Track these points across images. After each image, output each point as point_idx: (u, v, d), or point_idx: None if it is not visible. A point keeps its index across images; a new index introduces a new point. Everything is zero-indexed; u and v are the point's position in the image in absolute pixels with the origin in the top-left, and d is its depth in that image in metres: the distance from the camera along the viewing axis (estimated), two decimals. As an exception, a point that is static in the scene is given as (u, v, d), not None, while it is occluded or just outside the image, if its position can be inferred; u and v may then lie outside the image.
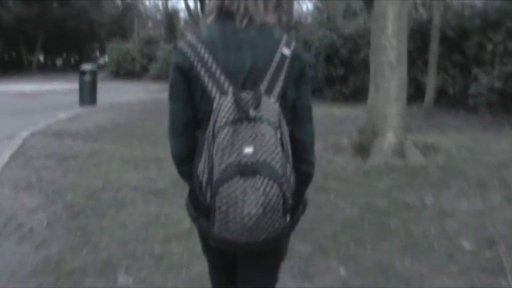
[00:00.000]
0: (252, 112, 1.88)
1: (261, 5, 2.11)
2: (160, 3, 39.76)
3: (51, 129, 11.85)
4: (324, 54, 18.03)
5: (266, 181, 1.82)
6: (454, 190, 6.57)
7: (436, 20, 14.26)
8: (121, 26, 37.24)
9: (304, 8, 34.31)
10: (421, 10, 17.94)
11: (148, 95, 21.34)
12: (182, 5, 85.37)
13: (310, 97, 2.20)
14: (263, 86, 2.01)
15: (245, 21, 2.08)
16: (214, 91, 2.00)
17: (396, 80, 8.38)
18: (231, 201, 1.84)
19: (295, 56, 2.09)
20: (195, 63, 2.03)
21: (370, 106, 8.68)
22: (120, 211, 5.84)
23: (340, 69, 17.87)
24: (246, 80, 2.02)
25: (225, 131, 1.86)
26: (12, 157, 8.74)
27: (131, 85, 27.18)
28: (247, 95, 1.92)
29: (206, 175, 1.93)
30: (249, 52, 2.04)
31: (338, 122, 12.70)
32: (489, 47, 14.11)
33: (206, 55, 2.02)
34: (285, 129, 1.97)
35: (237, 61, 2.03)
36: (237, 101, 1.89)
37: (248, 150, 1.85)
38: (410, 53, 17.21)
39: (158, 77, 29.59)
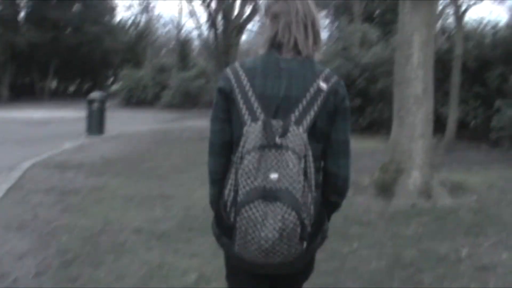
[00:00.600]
0: (278, 140, 2.03)
1: (310, 41, 2.28)
2: (173, 31, 39.50)
3: (54, 160, 11.26)
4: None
5: (285, 208, 1.95)
6: (491, 239, 5.86)
7: (458, 50, 13.67)
8: (134, 54, 36.85)
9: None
10: (440, 39, 17.39)
11: (159, 125, 20.76)
12: (195, 33, 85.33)
13: (348, 132, 2.29)
14: (294, 116, 2.13)
15: (291, 53, 2.26)
16: (246, 116, 2.15)
17: (422, 114, 7.74)
18: (251, 222, 1.98)
19: (332, 90, 2.20)
20: (235, 87, 2.21)
21: (393, 142, 8.02)
22: (119, 259, 5.20)
23: (357, 100, 17.17)
24: (279, 108, 2.16)
25: (251, 155, 2.02)
26: (9, 191, 8.14)
27: (143, 113, 26.58)
28: (276, 123, 2.08)
29: (231, 196, 2.09)
30: (285, 81, 2.19)
31: (356, 156, 11.76)
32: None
33: (245, 81, 2.20)
34: (310, 159, 2.07)
35: (273, 88, 2.19)
36: (265, 127, 2.06)
37: (274, 176, 1.98)
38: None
39: (170, 106, 29.05)
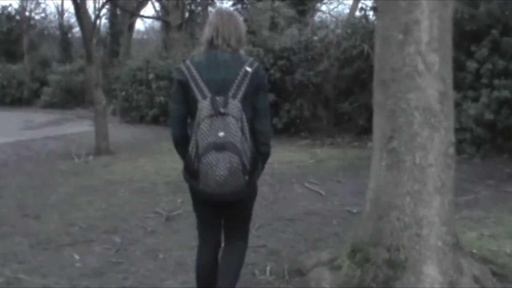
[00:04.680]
0: (222, 110, 3.01)
1: (234, 40, 3.24)
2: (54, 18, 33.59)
3: None
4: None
5: (231, 154, 2.95)
6: None
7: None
8: (10, 45, 30.65)
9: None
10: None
11: (30, 133, 15.73)
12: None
13: (266, 102, 3.26)
14: (230, 92, 3.09)
15: (224, 49, 3.23)
16: (198, 96, 3.11)
17: (438, 144, 3.66)
18: (208, 166, 2.97)
19: (254, 72, 3.16)
20: (188, 77, 3.17)
21: (376, 200, 3.90)
22: None
23: (270, 95, 13.15)
24: (220, 88, 3.10)
25: (205, 122, 3.01)
26: None
27: (13, 115, 21.27)
28: (219, 98, 3.05)
29: (194, 150, 3.07)
30: (223, 69, 3.16)
31: (280, 186, 7.96)
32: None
33: (195, 72, 3.17)
34: (244, 120, 3.07)
35: (215, 75, 3.15)
36: (212, 102, 3.04)
37: (221, 134, 2.96)
38: (357, 74, 13.38)
39: (51, 105, 23.82)
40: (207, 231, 3.53)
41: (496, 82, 9.99)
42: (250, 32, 14.39)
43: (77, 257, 5.19)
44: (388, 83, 3.73)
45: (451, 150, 3.75)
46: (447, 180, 3.73)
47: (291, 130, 13.60)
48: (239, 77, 3.11)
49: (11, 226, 6.26)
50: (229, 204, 3.26)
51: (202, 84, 3.11)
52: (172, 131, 3.32)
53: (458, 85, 10.40)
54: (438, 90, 3.64)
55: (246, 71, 3.12)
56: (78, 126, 16.85)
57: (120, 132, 14.84)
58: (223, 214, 3.46)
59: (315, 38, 13.66)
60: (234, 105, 3.03)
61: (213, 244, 3.54)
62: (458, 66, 10.57)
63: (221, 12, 3.44)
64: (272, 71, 13.02)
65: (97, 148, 11.50)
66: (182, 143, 3.27)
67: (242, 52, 3.30)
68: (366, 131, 12.52)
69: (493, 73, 10.15)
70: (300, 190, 7.76)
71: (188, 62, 3.27)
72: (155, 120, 16.76)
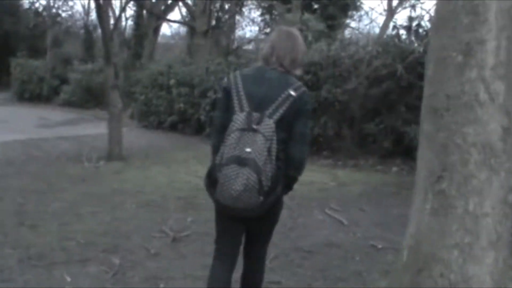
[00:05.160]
0: (254, 126, 3.01)
1: (288, 61, 3.25)
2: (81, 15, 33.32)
3: None
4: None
5: (250, 171, 2.92)
6: None
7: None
8: (36, 40, 30.31)
9: (248, 34, 28.45)
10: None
11: (44, 131, 15.29)
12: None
13: (306, 127, 3.20)
14: (268, 111, 3.07)
15: (275, 67, 3.24)
16: (236, 107, 3.14)
17: (498, 188, 3.05)
18: (227, 177, 2.96)
19: (298, 97, 3.13)
20: (232, 87, 3.21)
21: (416, 244, 3.30)
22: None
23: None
24: (259, 105, 3.10)
25: (235, 134, 3.02)
26: None
27: (31, 112, 20.88)
28: (255, 115, 3.06)
29: (219, 160, 3.07)
30: (267, 87, 3.15)
31: (299, 211, 7.33)
32: None
33: (240, 83, 3.19)
34: (274, 141, 3.03)
35: (257, 90, 3.16)
36: (247, 116, 3.06)
37: (248, 149, 2.94)
38: (386, 94, 12.76)
39: (69, 103, 23.39)
40: (224, 246, 3.48)
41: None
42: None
43: (68, 278, 4.64)
44: (441, 112, 3.11)
45: (511, 198, 3.13)
46: (503, 233, 3.11)
47: (313, 148, 12.97)
48: (280, 99, 3.11)
49: (3, 234, 5.75)
50: (245, 220, 3.29)
51: (243, 97, 3.15)
52: (212, 139, 3.40)
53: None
54: (501, 125, 3.03)
55: (289, 94, 3.12)
56: (95, 128, 16.32)
57: (136, 136, 14.35)
58: (245, 229, 3.46)
59: (344, 54, 13.04)
60: (268, 125, 3.03)
61: (228, 260, 3.46)
62: None
63: (280, 30, 3.43)
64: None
65: (109, 153, 10.99)
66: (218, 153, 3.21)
67: (298, 73, 3.34)
68: (391, 154, 11.94)
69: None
70: (320, 216, 7.14)
71: (237, 72, 3.34)
72: (173, 127, 16.20)
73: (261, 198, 2.99)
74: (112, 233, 5.95)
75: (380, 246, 5.86)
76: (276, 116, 3.06)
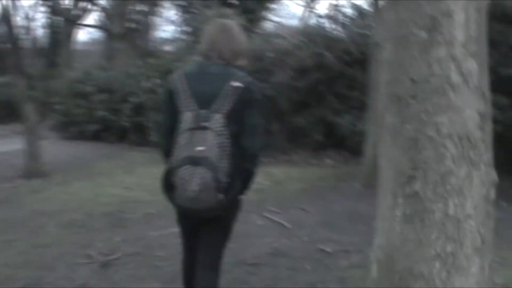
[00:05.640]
0: (203, 124, 2.94)
1: (228, 53, 3.16)
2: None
3: None
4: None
5: (204, 169, 2.85)
6: None
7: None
8: None
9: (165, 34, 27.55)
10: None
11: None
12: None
13: (257, 118, 3.10)
14: (214, 106, 2.99)
15: (217, 61, 3.15)
16: (183, 107, 3.05)
17: (480, 184, 2.57)
18: (183, 180, 2.89)
19: (245, 87, 3.03)
20: (177, 87, 3.12)
21: (387, 257, 2.79)
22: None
23: None
24: (205, 101, 3.01)
25: (185, 134, 2.96)
26: None
27: None
28: (203, 112, 2.99)
29: (173, 163, 2.99)
30: (210, 82, 3.06)
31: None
32: None
33: (184, 83, 3.10)
34: (226, 136, 2.95)
35: (202, 88, 3.06)
36: (195, 115, 2.98)
37: (200, 148, 2.88)
38: (314, 85, 12.33)
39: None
40: (188, 242, 3.45)
41: None
42: (198, 42, 13.28)
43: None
44: (407, 100, 2.59)
45: (493, 193, 2.66)
46: (486, 235, 2.64)
47: None
48: (224, 92, 3.01)
49: None
50: (204, 221, 3.21)
51: (188, 96, 3.07)
52: (161, 143, 3.33)
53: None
54: (478, 110, 2.54)
55: (234, 86, 3.02)
56: (13, 144, 15.18)
57: (57, 149, 13.39)
58: (200, 231, 3.31)
59: (267, 47, 12.56)
60: (216, 120, 2.97)
61: (195, 252, 3.39)
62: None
63: (215, 23, 3.37)
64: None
65: (27, 170, 10.09)
66: (170, 156, 3.12)
67: (243, 63, 3.24)
68: (323, 146, 11.61)
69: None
70: (260, 221, 6.61)
71: (179, 71, 3.26)
72: (96, 136, 15.33)
73: (221, 195, 2.92)
74: (33, 263, 5.21)
75: (329, 250, 5.39)
76: (224, 110, 2.99)
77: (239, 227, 6.36)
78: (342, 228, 6.24)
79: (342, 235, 5.89)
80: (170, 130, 3.12)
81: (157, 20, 26.45)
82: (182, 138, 2.95)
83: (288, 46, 12.27)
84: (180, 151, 2.94)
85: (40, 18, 18.87)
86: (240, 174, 3.08)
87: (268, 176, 9.62)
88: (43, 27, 25.71)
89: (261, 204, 7.33)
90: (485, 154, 2.61)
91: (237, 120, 3.02)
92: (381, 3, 8.01)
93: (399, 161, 2.66)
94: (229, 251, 5.48)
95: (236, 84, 3.02)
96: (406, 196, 2.63)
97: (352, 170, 9.47)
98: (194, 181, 2.85)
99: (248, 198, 8.06)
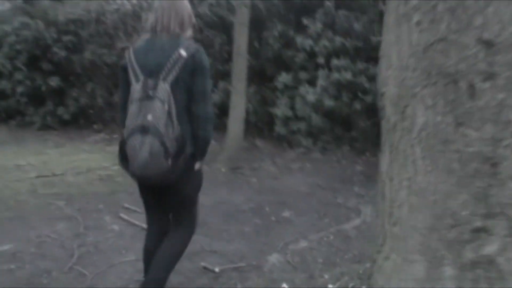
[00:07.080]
0: (150, 93, 2.86)
1: (174, 25, 3.04)
2: None
3: None
4: (24, 55, 10.50)
5: (152, 137, 2.80)
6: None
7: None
8: None
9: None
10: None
11: None
12: None
13: (203, 86, 2.99)
14: (161, 75, 2.90)
15: (164, 34, 3.03)
16: (133, 80, 2.96)
17: None
18: (133, 148, 2.85)
19: (190, 56, 2.93)
20: (128, 62, 3.03)
21: None
22: None
23: (54, 79, 10.50)
24: (152, 72, 2.92)
25: (135, 104, 2.88)
26: None
27: None
28: (150, 81, 2.89)
29: (125, 133, 2.94)
30: (158, 54, 2.96)
31: (83, 221, 5.14)
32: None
33: (133, 58, 3.01)
34: (172, 104, 2.86)
35: (149, 59, 2.96)
36: (143, 85, 2.89)
37: (148, 117, 2.81)
38: None
39: None
40: (149, 217, 3.37)
41: (334, 62, 8.12)
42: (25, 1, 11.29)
43: None
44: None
45: None
46: None
47: (80, 121, 10.91)
48: (171, 60, 2.95)
49: None
50: (162, 189, 3.14)
51: (136, 68, 2.99)
52: (119, 116, 3.21)
53: (286, 65, 8.50)
54: None
55: (180, 55, 2.96)
56: None
57: None
58: (163, 200, 3.24)
59: (108, 8, 10.79)
60: (163, 88, 2.89)
61: (154, 230, 3.34)
62: (286, 43, 8.65)
63: None
64: (55, 49, 10.20)
65: None
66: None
67: (188, 34, 3.16)
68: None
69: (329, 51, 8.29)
70: (116, 226, 5.03)
71: (131, 47, 3.16)
72: None
73: (170, 161, 2.86)
74: None
75: (217, 270, 3.98)
76: (170, 78, 2.92)
77: (90, 237, 4.67)
78: (222, 231, 4.87)
79: (226, 244, 4.51)
80: (126, 104, 3.05)
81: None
82: (132, 108, 2.92)
83: (131, 7, 10.61)
84: (131, 121, 2.90)
85: None
86: (191, 141, 3.01)
87: (116, 158, 7.95)
88: None
89: (114, 200, 5.81)
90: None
91: (185, 88, 2.96)
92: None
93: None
94: (82, 279, 3.92)
95: (182, 52, 2.96)
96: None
97: (212, 149, 8.09)
98: (143, 148, 2.82)
99: (96, 190, 6.31)
